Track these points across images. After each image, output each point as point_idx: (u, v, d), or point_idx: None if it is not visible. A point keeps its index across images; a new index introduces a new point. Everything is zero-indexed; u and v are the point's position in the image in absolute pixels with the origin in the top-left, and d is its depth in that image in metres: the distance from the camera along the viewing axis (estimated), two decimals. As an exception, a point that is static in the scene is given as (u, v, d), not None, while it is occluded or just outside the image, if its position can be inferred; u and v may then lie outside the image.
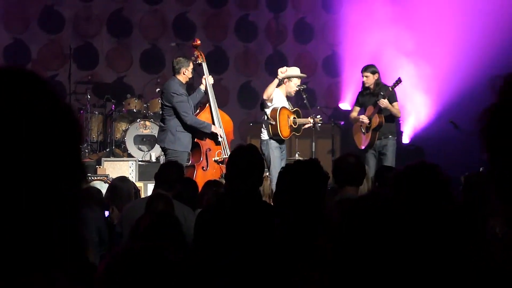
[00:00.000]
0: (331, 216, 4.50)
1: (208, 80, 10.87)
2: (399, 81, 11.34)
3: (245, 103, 15.97)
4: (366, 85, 11.42)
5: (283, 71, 11.04)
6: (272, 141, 10.93)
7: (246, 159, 5.24)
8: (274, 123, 10.88)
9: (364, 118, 11.38)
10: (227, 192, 5.36)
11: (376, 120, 11.37)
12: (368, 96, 11.47)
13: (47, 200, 1.31)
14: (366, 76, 11.40)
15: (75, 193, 1.36)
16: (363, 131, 11.47)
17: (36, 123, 1.31)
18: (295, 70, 11.30)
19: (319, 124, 11.36)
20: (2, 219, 1.28)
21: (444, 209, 2.32)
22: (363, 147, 11.43)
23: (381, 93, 11.26)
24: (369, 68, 11.46)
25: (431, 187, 3.54)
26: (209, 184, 7.60)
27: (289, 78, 11.13)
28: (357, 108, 11.66)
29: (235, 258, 4.07)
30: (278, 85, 11.13)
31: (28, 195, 1.29)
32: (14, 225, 1.29)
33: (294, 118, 11.03)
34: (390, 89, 11.32)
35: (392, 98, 11.32)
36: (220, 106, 11.19)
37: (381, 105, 11.21)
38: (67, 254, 1.35)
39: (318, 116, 11.42)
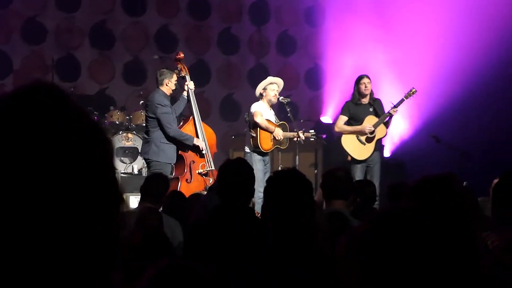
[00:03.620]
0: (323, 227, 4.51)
1: (189, 85, 10.88)
2: (414, 91, 11.28)
3: (227, 115, 15.98)
4: (366, 92, 11.19)
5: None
6: (254, 154, 10.94)
7: (236, 173, 5.27)
8: (254, 135, 10.91)
9: (368, 128, 11.16)
10: (220, 206, 5.35)
11: (383, 130, 11.29)
12: (363, 107, 11.29)
13: (85, 230, 1.24)
14: (367, 84, 11.21)
15: (114, 217, 1.30)
16: (364, 142, 11.22)
17: (71, 143, 1.24)
18: (266, 80, 11.33)
19: (312, 139, 11.37)
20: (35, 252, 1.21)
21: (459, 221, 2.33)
22: (362, 159, 11.17)
23: (392, 102, 11.18)
24: (367, 77, 11.30)
25: (448, 199, 3.55)
26: (196, 196, 7.59)
27: (264, 88, 11.15)
28: (345, 118, 11.35)
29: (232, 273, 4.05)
30: (259, 99, 11.17)
31: (63, 223, 1.22)
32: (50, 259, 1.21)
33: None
34: (404, 98, 11.27)
35: (382, 111, 11.29)
36: (202, 118, 11.18)
37: (394, 114, 11.16)
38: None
39: (311, 131, 11.43)
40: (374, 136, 11.19)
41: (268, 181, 4.31)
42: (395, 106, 11.14)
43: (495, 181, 8.85)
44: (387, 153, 14.80)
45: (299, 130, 11.23)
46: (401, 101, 11.24)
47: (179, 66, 11.03)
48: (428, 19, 14.75)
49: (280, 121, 11.35)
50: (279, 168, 11.54)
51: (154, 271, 1.99)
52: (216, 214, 5.30)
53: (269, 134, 11.00)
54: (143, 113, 11.70)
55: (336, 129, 11.52)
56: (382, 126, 11.21)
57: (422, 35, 14.75)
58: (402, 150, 14.89)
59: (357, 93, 11.27)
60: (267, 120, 11.03)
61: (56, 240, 1.21)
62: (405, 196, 6.54)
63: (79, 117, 1.29)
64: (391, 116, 11.21)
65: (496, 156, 13.07)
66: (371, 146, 11.20)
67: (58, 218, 1.21)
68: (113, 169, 1.32)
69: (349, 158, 11.20)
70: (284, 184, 4.11)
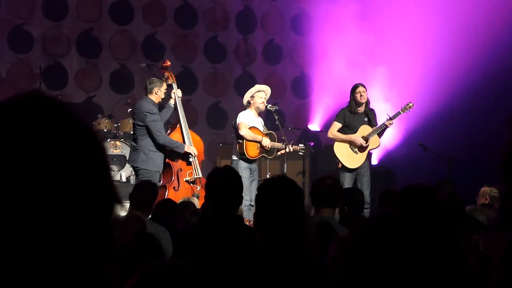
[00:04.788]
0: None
1: (176, 93, 10.89)
2: (411, 105, 11.32)
3: (214, 124, 16.00)
4: (362, 101, 11.14)
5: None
6: (241, 161, 10.95)
7: (224, 181, 5.30)
8: (241, 141, 10.93)
9: (359, 141, 11.12)
10: (209, 214, 5.37)
11: (376, 141, 11.32)
12: (358, 115, 11.27)
13: (80, 232, 1.26)
14: (363, 92, 11.15)
15: (107, 222, 1.32)
16: (356, 151, 11.21)
17: (65, 148, 1.27)
18: (254, 88, 11.34)
19: (301, 153, 11.40)
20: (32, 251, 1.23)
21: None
22: (352, 167, 11.14)
23: (388, 114, 11.21)
24: (362, 85, 11.26)
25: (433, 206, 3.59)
26: (185, 204, 7.59)
27: (252, 96, 11.16)
28: (339, 125, 11.28)
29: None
30: (246, 107, 11.18)
31: (60, 225, 1.24)
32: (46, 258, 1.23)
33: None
34: (401, 112, 11.31)
35: (375, 121, 11.33)
36: (189, 126, 11.18)
37: (389, 126, 11.20)
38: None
39: (301, 145, 11.44)
40: (368, 146, 11.22)
41: (259, 189, 4.33)
42: (391, 118, 11.18)
43: (483, 188, 8.94)
44: (374, 161, 14.84)
45: (289, 143, 11.24)
46: (397, 114, 11.28)
47: (166, 74, 11.04)
48: (415, 27, 14.83)
49: (268, 128, 11.37)
50: (267, 176, 11.57)
51: (142, 271, 1.99)
52: (206, 221, 5.32)
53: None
54: (130, 121, 11.70)
55: (330, 135, 11.44)
56: (376, 136, 11.26)
57: (409, 43, 14.82)
58: (390, 158, 14.93)
59: (353, 101, 11.24)
60: (254, 128, 11.03)
61: (56, 240, 1.23)
62: (392, 203, 6.59)
63: (75, 121, 1.32)
64: (386, 127, 11.25)
65: (482, 164, 13.13)
66: (363, 156, 11.22)
67: (59, 218, 1.23)
68: (109, 170, 1.35)
69: (340, 165, 11.18)
70: (275, 192, 4.13)
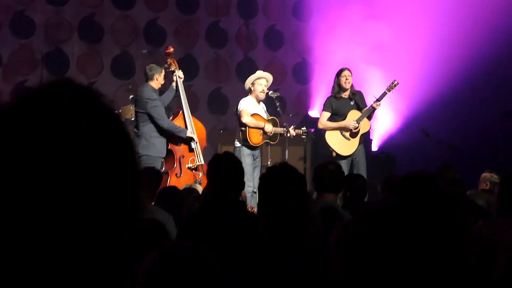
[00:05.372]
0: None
1: (178, 74, 10.92)
2: (396, 83, 11.26)
3: (216, 109, 15.99)
4: (347, 86, 11.13)
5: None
6: (244, 148, 10.95)
7: (225, 167, 5.34)
8: (244, 129, 10.93)
9: (354, 124, 11.12)
10: (211, 200, 5.41)
11: (367, 125, 11.29)
12: (344, 101, 11.26)
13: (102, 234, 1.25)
14: (348, 76, 11.15)
15: (131, 226, 1.30)
16: (348, 137, 11.18)
17: (95, 143, 1.25)
18: (255, 74, 11.34)
19: (304, 136, 11.41)
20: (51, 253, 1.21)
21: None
22: (347, 154, 11.13)
23: (375, 96, 11.14)
24: (348, 70, 11.25)
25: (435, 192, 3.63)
26: (189, 190, 7.63)
27: (252, 83, 11.16)
28: (328, 114, 11.30)
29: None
30: (247, 93, 11.19)
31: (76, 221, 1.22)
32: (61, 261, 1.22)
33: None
34: (387, 91, 11.24)
35: (364, 104, 11.30)
36: (191, 112, 11.21)
37: (377, 107, 11.15)
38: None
39: (303, 128, 11.45)
40: (359, 131, 11.17)
41: (261, 178, 4.37)
42: (378, 100, 11.09)
43: (484, 174, 8.98)
44: (375, 147, 14.87)
45: (290, 126, 11.27)
46: (384, 94, 11.16)
47: (169, 60, 11.06)
48: (416, 12, 14.85)
49: (270, 115, 11.38)
50: (269, 162, 11.60)
51: (157, 253, 2.01)
52: (208, 207, 5.37)
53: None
54: (132, 108, 11.72)
55: (320, 125, 11.44)
56: (365, 120, 11.20)
57: (410, 28, 14.84)
58: (390, 143, 14.95)
59: (337, 85, 11.23)
60: (256, 114, 11.04)
61: (56, 239, 1.22)
62: (394, 190, 6.63)
63: (103, 114, 1.29)
64: (374, 110, 11.19)
65: (483, 150, 13.18)
66: (355, 141, 11.17)
67: (59, 217, 1.22)
68: (135, 168, 1.31)
69: (334, 154, 11.16)
70: (277, 179, 4.17)
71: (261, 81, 11.15)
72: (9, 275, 1.21)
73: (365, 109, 11.15)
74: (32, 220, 1.20)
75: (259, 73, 11.37)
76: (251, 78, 11.20)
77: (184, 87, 11.12)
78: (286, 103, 15.61)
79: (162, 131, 10.44)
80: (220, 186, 5.29)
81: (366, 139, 12.09)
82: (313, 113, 15.66)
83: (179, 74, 10.95)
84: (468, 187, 7.82)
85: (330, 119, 11.29)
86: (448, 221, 2.24)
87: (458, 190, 6.47)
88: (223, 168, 5.36)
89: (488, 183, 8.75)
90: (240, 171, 5.48)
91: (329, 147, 11.23)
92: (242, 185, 5.52)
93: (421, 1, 14.90)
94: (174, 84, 10.96)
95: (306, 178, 4.43)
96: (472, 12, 14.21)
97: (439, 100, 14.20)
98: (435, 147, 12.70)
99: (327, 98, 11.47)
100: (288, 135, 11.20)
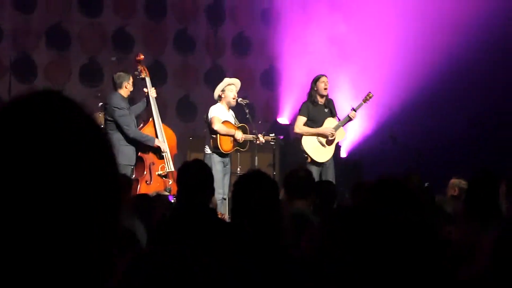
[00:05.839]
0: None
1: (151, 93, 10.92)
2: (371, 95, 11.35)
3: (184, 116, 15.97)
4: (325, 93, 11.17)
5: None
6: (214, 155, 10.96)
7: (195, 174, 5.36)
8: (214, 136, 10.94)
9: (330, 131, 11.15)
10: (182, 207, 5.43)
11: (343, 133, 11.36)
12: (320, 108, 11.28)
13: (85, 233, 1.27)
14: (326, 83, 11.19)
15: (108, 222, 1.32)
16: (324, 144, 11.20)
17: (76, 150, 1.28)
18: (224, 81, 11.35)
19: (273, 143, 11.44)
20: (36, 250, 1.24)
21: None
22: (322, 161, 11.16)
23: (353, 107, 11.22)
24: (325, 76, 11.31)
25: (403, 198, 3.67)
26: (158, 197, 7.64)
27: (222, 90, 11.18)
28: (304, 119, 11.30)
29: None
30: (217, 101, 11.21)
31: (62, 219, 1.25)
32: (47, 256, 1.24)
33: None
34: (363, 102, 11.33)
35: (335, 112, 11.37)
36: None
37: (353, 118, 11.22)
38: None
39: (272, 134, 11.48)
40: (334, 139, 11.25)
41: (235, 184, 4.40)
42: (355, 110, 11.22)
43: (452, 180, 9.07)
44: (343, 153, 14.94)
45: (259, 133, 11.30)
46: (360, 104, 11.34)
47: (140, 67, 11.06)
48: (384, 16, 14.95)
49: (239, 122, 11.40)
50: (238, 169, 11.63)
51: (132, 257, 2.02)
52: (179, 213, 5.39)
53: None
54: (101, 115, 11.69)
55: (297, 129, 11.45)
56: (341, 129, 11.30)
57: (378, 34, 14.93)
58: (358, 150, 15.02)
59: (315, 92, 11.27)
60: (227, 122, 11.07)
61: (55, 240, 1.24)
62: (364, 195, 6.68)
63: (81, 120, 1.34)
64: (350, 119, 11.30)
65: (450, 156, 13.29)
66: (331, 149, 11.24)
67: (58, 217, 1.24)
68: (112, 169, 1.35)
69: (309, 159, 11.21)
70: (251, 186, 4.20)
71: (231, 87, 11.18)
72: (10, 275, 1.23)
73: (337, 115, 11.23)
74: (33, 220, 1.23)
75: (228, 80, 11.39)
76: (220, 86, 11.22)
77: (156, 94, 11.12)
78: (255, 109, 15.61)
79: (130, 138, 10.42)
80: (190, 192, 5.31)
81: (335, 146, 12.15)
82: (282, 119, 15.70)
83: (151, 92, 10.93)
84: (436, 194, 7.90)
85: (305, 125, 11.30)
86: (421, 220, 2.29)
87: (425, 196, 6.53)
88: (193, 175, 5.39)
89: (456, 189, 8.82)
90: (210, 177, 5.51)
91: (305, 152, 11.22)
92: (212, 191, 5.55)
93: (389, 6, 15.00)
94: (146, 96, 10.96)
95: (278, 185, 4.47)
96: (440, 15, 14.34)
97: (407, 106, 14.30)
98: (403, 154, 12.78)
99: (303, 103, 11.48)
100: (258, 142, 11.23)
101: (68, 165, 1.26)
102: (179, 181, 5.50)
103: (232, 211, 4.30)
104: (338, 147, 13.79)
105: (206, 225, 5.08)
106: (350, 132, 15.08)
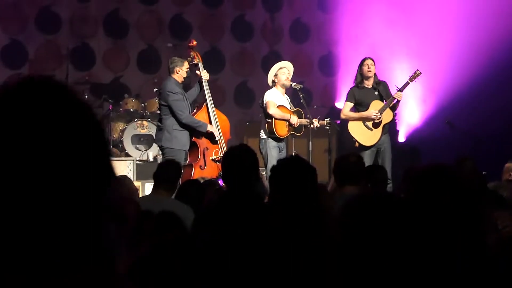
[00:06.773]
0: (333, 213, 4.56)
1: (203, 75, 10.93)
2: (418, 73, 11.19)
3: (242, 102, 16.02)
4: (369, 75, 10.99)
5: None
6: (270, 140, 10.92)
7: (238, 160, 5.33)
8: (270, 121, 10.90)
9: (375, 114, 11.00)
10: (227, 194, 5.42)
11: (389, 115, 11.16)
12: (367, 91, 11.11)
13: (74, 204, 1.29)
14: (370, 65, 11.02)
15: (100, 198, 1.34)
16: (370, 127, 11.04)
17: (64, 130, 1.30)
18: (275, 66, 11.29)
19: (328, 127, 11.36)
20: (27, 221, 1.26)
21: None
22: (370, 144, 10.99)
23: (397, 86, 11.00)
24: (370, 58, 11.13)
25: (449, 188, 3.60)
26: (210, 183, 7.65)
27: (275, 75, 11.13)
28: (351, 104, 11.16)
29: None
30: (271, 86, 11.16)
31: (54, 197, 1.27)
32: (42, 228, 1.27)
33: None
34: (409, 81, 11.12)
35: (388, 94, 11.18)
36: (217, 106, 11.23)
37: (399, 98, 11.06)
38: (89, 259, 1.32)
39: (327, 119, 11.41)
40: (381, 121, 11.07)
41: (271, 170, 4.36)
42: (400, 90, 10.95)
43: (507, 164, 8.91)
44: (402, 138, 14.82)
45: (314, 118, 11.22)
46: (406, 84, 11.05)
47: (192, 53, 11.08)
48: (442, 3, 14.75)
49: (294, 107, 11.35)
50: (293, 154, 11.58)
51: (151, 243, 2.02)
52: (225, 199, 5.38)
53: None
54: (157, 101, 11.78)
55: (342, 116, 11.36)
56: (388, 110, 11.07)
57: (438, 18, 14.75)
58: (416, 135, 14.89)
59: (360, 75, 11.11)
60: (281, 106, 11.02)
61: (50, 224, 1.27)
62: (413, 181, 6.60)
63: (72, 104, 1.35)
64: (397, 100, 11.08)
65: (508, 141, 13.08)
66: (378, 131, 11.05)
67: (54, 200, 1.27)
68: (107, 152, 1.39)
69: (357, 144, 11.06)
70: (287, 172, 4.17)
71: (283, 70, 11.12)
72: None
73: (388, 100, 11.05)
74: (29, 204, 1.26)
75: (279, 63, 11.32)
76: (272, 70, 11.17)
77: (209, 81, 11.12)
78: (312, 95, 15.59)
79: (183, 124, 10.46)
80: (234, 178, 5.29)
81: (392, 130, 12.01)
82: (340, 104, 15.61)
83: (203, 75, 10.93)
84: (493, 179, 7.77)
85: (353, 109, 11.19)
86: (462, 212, 2.24)
87: (477, 181, 6.41)
88: (237, 160, 5.35)
89: (511, 173, 8.67)
90: (253, 163, 5.45)
91: (352, 137, 11.12)
92: (256, 176, 5.51)
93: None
94: (199, 81, 11.00)
95: (316, 171, 4.41)
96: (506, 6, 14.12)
97: (465, 91, 14.10)
98: (460, 139, 12.61)
99: (350, 88, 11.32)
100: (312, 126, 11.15)
101: (53, 149, 1.28)
102: (223, 166, 5.48)
103: (269, 195, 4.27)
104: (396, 131, 13.68)
105: (251, 209, 5.06)
106: (409, 117, 14.95)
